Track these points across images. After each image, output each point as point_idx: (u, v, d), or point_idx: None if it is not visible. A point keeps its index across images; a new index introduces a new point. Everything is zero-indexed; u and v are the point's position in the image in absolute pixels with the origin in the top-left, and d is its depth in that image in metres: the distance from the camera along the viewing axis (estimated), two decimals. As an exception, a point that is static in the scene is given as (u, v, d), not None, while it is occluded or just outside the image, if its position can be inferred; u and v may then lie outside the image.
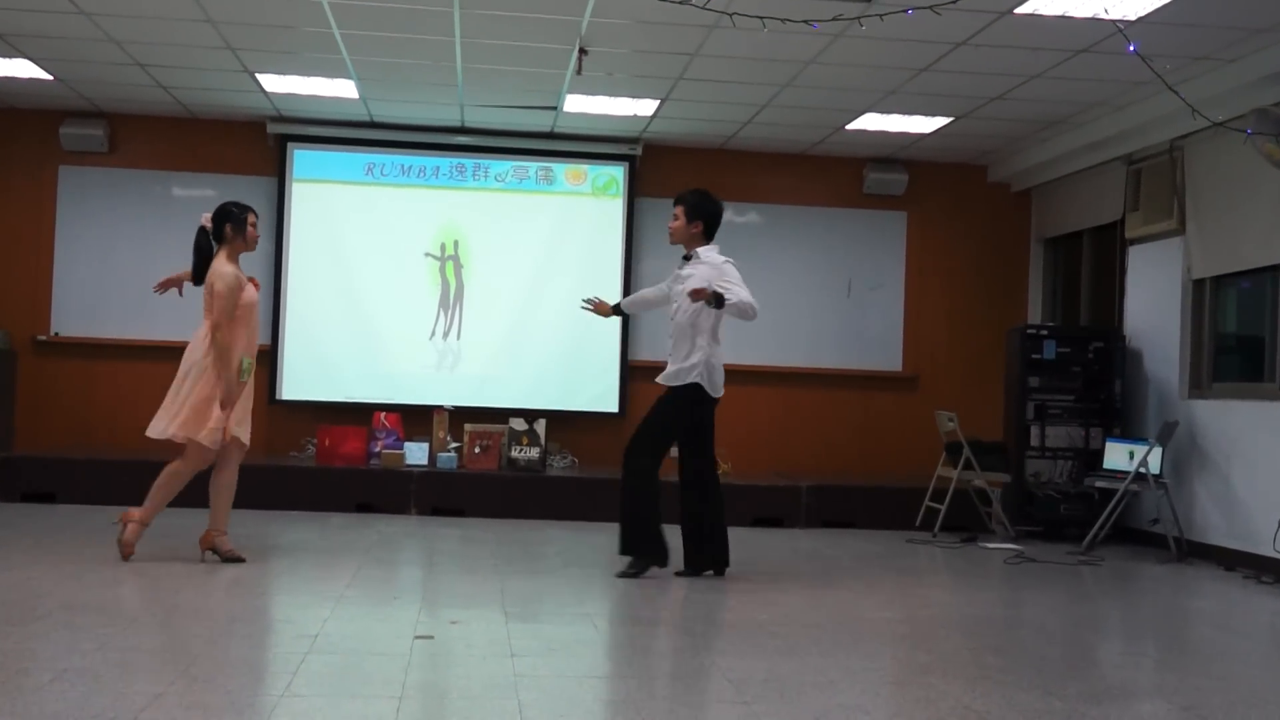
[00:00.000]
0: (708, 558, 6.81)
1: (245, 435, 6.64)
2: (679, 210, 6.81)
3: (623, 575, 6.60)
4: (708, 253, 6.77)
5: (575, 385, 10.58)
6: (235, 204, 6.72)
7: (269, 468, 9.33)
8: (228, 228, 6.65)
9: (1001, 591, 7.11)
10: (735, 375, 10.66)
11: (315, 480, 9.30)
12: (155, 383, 10.32)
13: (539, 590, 6.34)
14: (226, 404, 6.44)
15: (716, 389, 6.73)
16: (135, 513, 6.55)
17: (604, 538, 7.70)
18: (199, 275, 6.63)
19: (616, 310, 7.28)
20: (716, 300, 6.46)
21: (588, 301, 7.18)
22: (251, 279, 6.69)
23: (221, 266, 6.53)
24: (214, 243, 6.66)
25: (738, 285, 6.58)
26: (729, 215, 11.15)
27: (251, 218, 6.70)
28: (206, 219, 6.70)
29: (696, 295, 6.43)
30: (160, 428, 6.47)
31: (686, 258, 6.84)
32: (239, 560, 6.63)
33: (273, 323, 10.34)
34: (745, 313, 6.54)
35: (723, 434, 10.39)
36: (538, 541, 8.11)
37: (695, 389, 6.65)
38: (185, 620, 5.10)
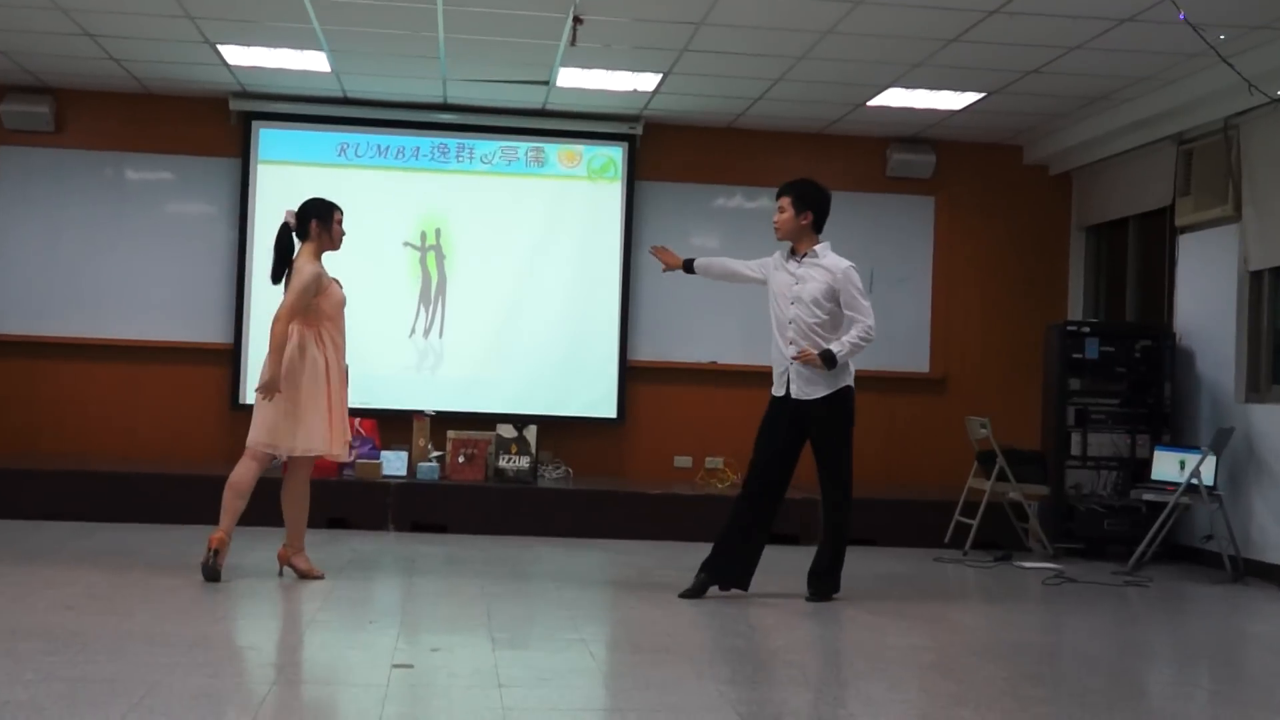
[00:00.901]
0: (734, 575, 6.86)
1: (321, 446, 6.82)
2: (785, 201, 6.86)
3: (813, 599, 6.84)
4: (825, 251, 6.82)
5: (569, 388, 10.58)
6: (322, 199, 6.97)
7: (232, 479, 9.33)
8: (313, 224, 6.90)
9: (1039, 615, 7.10)
10: (745, 377, 10.74)
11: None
12: (105, 385, 10.41)
13: (529, 614, 6.34)
14: (266, 391, 6.63)
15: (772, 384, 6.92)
16: (285, 550, 6.88)
17: (601, 555, 7.69)
18: (278, 275, 6.87)
19: (687, 267, 7.21)
20: (826, 362, 6.59)
21: (656, 249, 7.22)
22: (334, 280, 6.90)
23: (303, 264, 6.77)
24: (297, 240, 6.89)
25: (863, 299, 6.67)
26: (738, 201, 11.25)
27: (338, 214, 6.95)
28: (290, 215, 6.92)
29: (804, 358, 6.60)
30: (314, 445, 6.77)
31: (794, 254, 6.87)
32: (317, 578, 6.86)
33: (235, 319, 10.35)
34: (861, 349, 6.70)
35: (731, 442, 10.49)
36: (528, 560, 8.11)
37: (849, 391, 6.84)
38: (139, 647, 5.10)
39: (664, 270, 7.29)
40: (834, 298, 6.76)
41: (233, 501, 6.78)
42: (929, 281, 11.09)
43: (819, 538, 7.15)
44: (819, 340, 6.74)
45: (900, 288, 11.04)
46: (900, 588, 7.70)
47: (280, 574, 6.96)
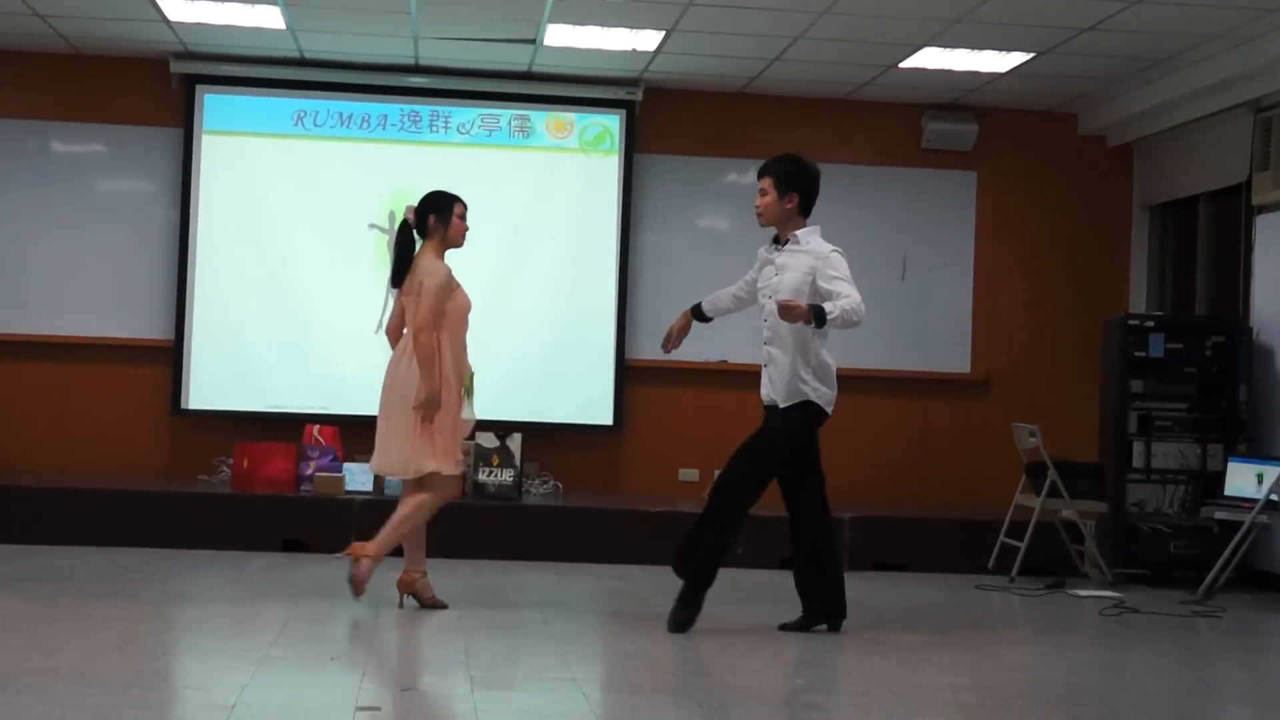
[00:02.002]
0: (835, 609, 6.96)
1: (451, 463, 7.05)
2: (766, 182, 6.93)
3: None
4: (809, 236, 6.85)
5: (559, 391, 10.57)
6: (441, 192, 7.16)
7: (172, 495, 9.33)
8: (431, 219, 7.11)
9: (1096, 650, 7.10)
10: (759, 379, 10.70)
11: (231, 511, 9.30)
12: (27, 387, 10.39)
13: (513, 649, 6.34)
14: (427, 419, 6.90)
15: (830, 403, 6.86)
16: (369, 547, 6.95)
17: (595, 582, 7.69)
18: (398, 278, 7.06)
19: (699, 316, 7.37)
20: (816, 318, 6.50)
21: (670, 338, 7.34)
22: (459, 283, 7.10)
23: (432, 263, 6.98)
24: (418, 238, 7.09)
25: (844, 282, 6.65)
26: (751, 176, 11.10)
27: (459, 207, 7.12)
28: (410, 211, 7.12)
29: (787, 313, 6.46)
30: (390, 464, 7.02)
31: (777, 241, 6.92)
32: (441, 607, 7.07)
33: (176, 313, 10.35)
34: (850, 322, 6.65)
35: (745, 452, 10.49)
36: (512, 588, 8.10)
37: (810, 411, 6.80)
38: (66, 687, 5.10)
39: (669, 347, 7.35)
40: (816, 287, 6.76)
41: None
42: (970, 269, 11.09)
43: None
44: (795, 341, 6.74)
45: (937, 276, 11.04)
46: (937, 619, 7.69)
47: (401, 604, 7.08)
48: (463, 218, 7.20)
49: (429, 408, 6.87)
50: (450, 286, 7.03)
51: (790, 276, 6.79)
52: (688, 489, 10.66)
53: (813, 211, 7.09)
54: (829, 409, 6.85)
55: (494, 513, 9.40)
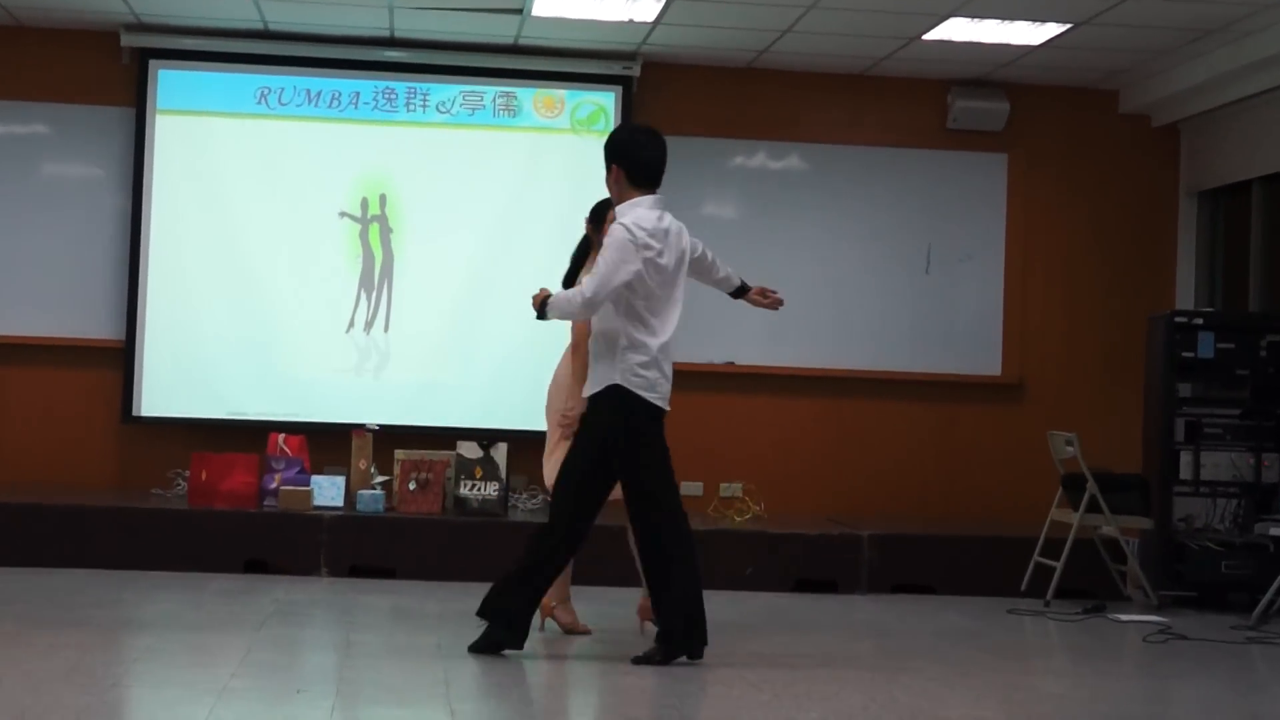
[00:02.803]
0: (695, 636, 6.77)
1: None
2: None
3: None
4: (629, 210, 6.76)
5: (540, 394, 10.53)
6: (605, 200, 7.23)
7: (122, 511, 9.32)
8: (589, 227, 7.37)
9: (1141, 680, 7.10)
10: (769, 382, 10.75)
11: (188, 529, 9.29)
12: (-35, 393, 10.39)
13: (497, 680, 6.33)
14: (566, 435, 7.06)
15: (650, 390, 6.67)
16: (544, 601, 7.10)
17: (587, 606, 7.67)
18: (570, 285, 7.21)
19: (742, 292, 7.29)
20: (539, 311, 6.77)
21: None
22: None
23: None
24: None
25: (601, 261, 6.63)
26: (759, 159, 11.21)
27: (612, 213, 7.06)
28: (587, 223, 7.41)
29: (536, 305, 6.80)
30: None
31: None
32: (584, 633, 7.29)
33: (127, 311, 10.35)
34: (564, 314, 6.83)
35: (752, 463, 10.49)
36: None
37: (618, 395, 6.67)
38: (7, 723, 5.10)
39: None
40: None
41: None
42: (1000, 261, 11.08)
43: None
44: (598, 320, 6.78)
45: (964, 269, 11.04)
46: (965, 646, 7.69)
47: (541, 628, 7.17)
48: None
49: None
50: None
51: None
52: (689, 504, 10.58)
53: (656, 183, 6.83)
54: (652, 397, 6.64)
55: (477, 530, 9.39)
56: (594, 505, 6.80)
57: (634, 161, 6.78)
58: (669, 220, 6.78)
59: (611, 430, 6.66)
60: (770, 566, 9.24)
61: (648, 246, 6.61)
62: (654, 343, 6.66)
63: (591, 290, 6.58)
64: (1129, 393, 10.42)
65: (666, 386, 6.70)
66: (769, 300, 7.19)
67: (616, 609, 7.94)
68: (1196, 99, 10.53)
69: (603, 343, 6.73)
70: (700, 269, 7.05)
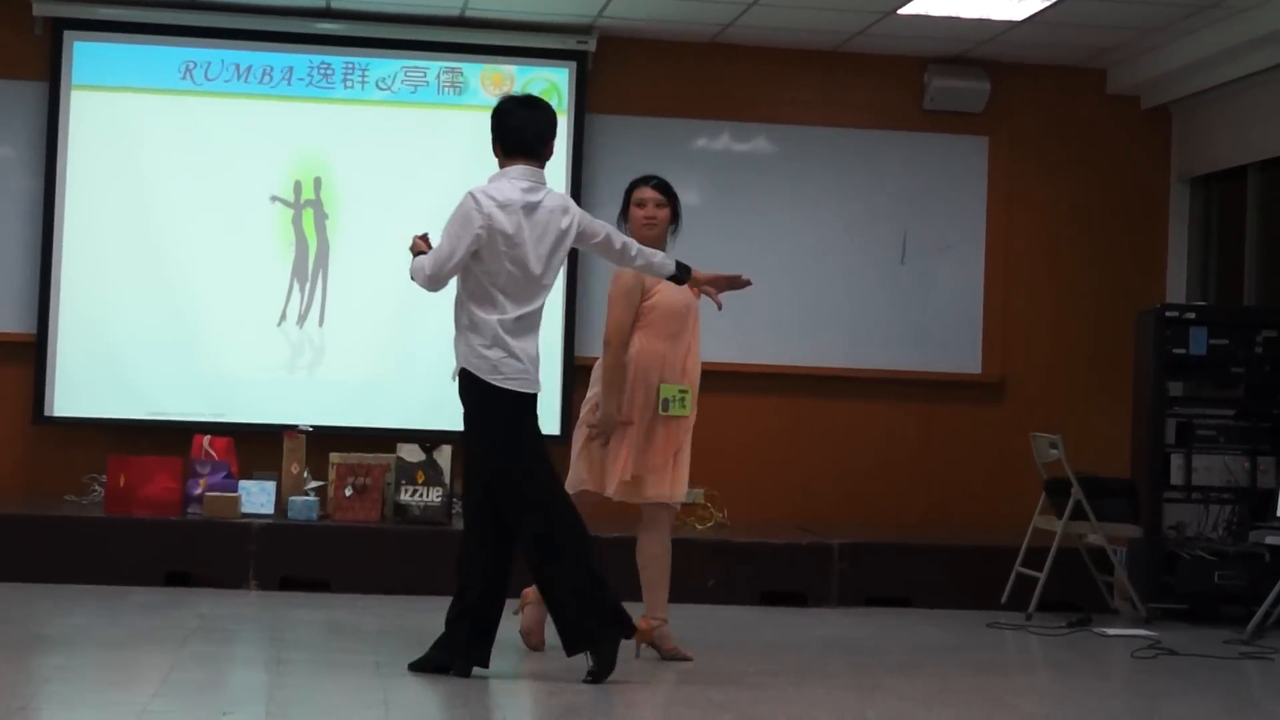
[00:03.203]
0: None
1: (666, 490, 7.20)
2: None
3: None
4: (491, 180, 6.91)
5: (496, 395, 10.53)
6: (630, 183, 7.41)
7: (34, 519, 9.25)
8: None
9: (1129, 698, 7.12)
10: (732, 380, 10.71)
11: (104, 537, 9.22)
12: None
13: (442, 702, 6.32)
14: (598, 438, 7.14)
15: (491, 374, 6.71)
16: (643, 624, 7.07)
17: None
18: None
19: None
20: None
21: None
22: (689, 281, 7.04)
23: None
24: None
25: (443, 237, 6.83)
26: (724, 141, 11.19)
27: (640, 193, 7.32)
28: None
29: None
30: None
31: None
32: (685, 659, 7.17)
33: (39, 302, 10.28)
34: (416, 280, 6.99)
35: (715, 466, 10.42)
36: (440, 629, 8.04)
37: (464, 376, 6.81)
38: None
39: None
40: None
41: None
42: (981, 251, 11.11)
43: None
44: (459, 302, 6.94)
45: (942, 259, 11.06)
46: (943, 662, 7.70)
47: (637, 654, 7.09)
48: (643, 205, 7.29)
49: (605, 428, 7.06)
50: (634, 294, 7.15)
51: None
52: (648, 511, 10.62)
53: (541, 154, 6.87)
54: (496, 380, 6.68)
55: (419, 540, 9.34)
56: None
57: (503, 129, 6.88)
58: (543, 194, 6.78)
59: (467, 420, 6.83)
60: (734, 578, 9.22)
61: (491, 217, 6.65)
62: (493, 319, 6.66)
63: (432, 267, 6.72)
64: (1117, 392, 10.46)
65: (519, 365, 6.66)
66: (719, 287, 7.09)
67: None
68: (1189, 79, 10.57)
69: (455, 322, 6.91)
70: (605, 253, 7.03)
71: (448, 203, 10.45)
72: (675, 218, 7.32)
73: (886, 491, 10.94)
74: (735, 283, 7.10)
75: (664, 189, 7.27)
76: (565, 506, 6.73)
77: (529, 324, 6.71)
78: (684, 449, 7.24)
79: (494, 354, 6.64)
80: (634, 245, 6.93)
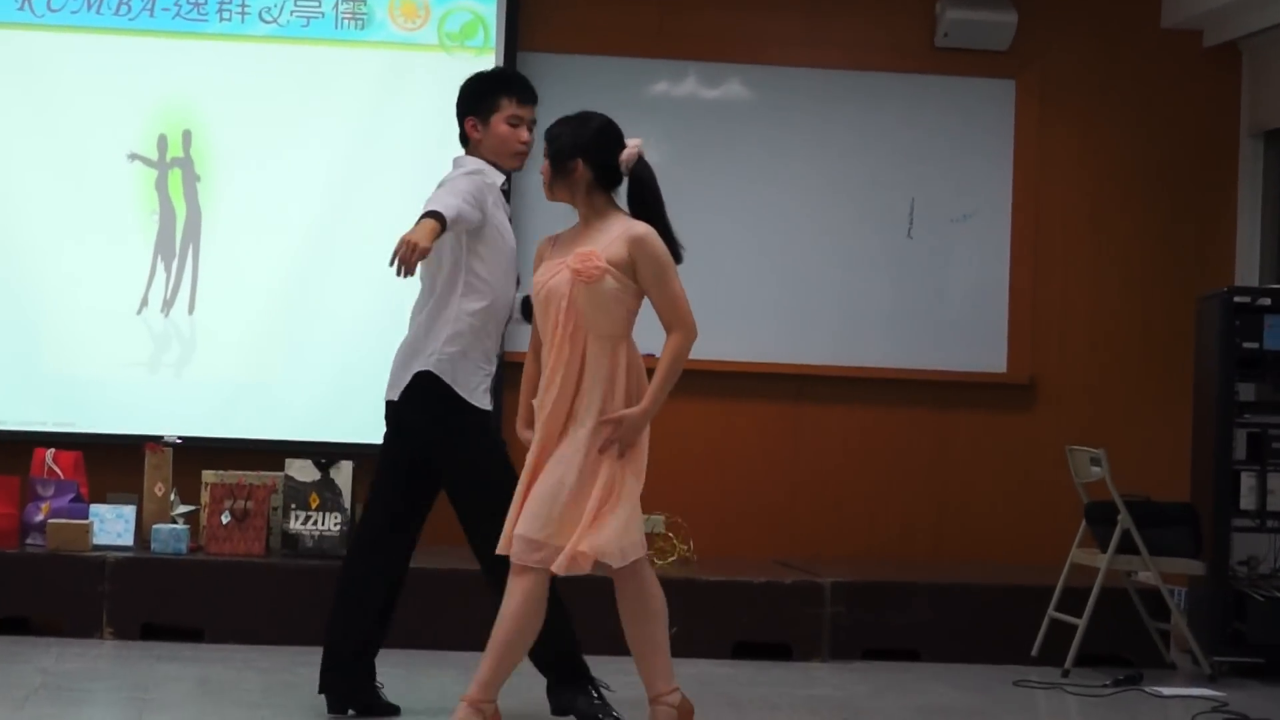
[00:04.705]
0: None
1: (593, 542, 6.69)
2: None
3: None
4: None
5: (408, 399, 10.55)
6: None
7: None
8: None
9: (1187, 773, 7.18)
10: (703, 380, 10.69)
11: (-77, 576, 9.22)
12: None
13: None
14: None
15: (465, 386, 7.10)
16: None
17: (463, 676, 7.67)
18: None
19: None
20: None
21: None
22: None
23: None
24: None
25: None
26: (688, 86, 11.17)
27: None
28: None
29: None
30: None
31: None
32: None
33: None
34: None
35: (680, 487, 10.46)
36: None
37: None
38: None
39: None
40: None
41: None
42: (1006, 222, 11.16)
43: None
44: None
45: (958, 231, 11.12)
46: (959, 729, 7.74)
47: None
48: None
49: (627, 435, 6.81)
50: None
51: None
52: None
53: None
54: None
55: (312, 576, 9.31)
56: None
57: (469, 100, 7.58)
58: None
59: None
60: (703, 625, 9.23)
61: None
62: None
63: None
64: (1173, 396, 10.52)
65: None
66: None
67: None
68: (1264, 8, 10.62)
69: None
70: None
71: (349, 161, 10.62)
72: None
73: (890, 518, 10.98)
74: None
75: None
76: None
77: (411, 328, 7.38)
78: None
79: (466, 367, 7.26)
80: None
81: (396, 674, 7.47)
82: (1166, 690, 8.80)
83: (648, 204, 6.85)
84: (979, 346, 11.11)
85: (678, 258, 6.79)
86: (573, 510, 6.45)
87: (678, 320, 6.67)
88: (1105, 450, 9.37)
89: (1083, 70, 11.24)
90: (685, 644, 9.11)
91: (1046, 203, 11.20)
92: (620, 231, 6.70)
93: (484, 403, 7.16)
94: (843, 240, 11.01)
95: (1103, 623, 9.28)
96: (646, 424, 6.64)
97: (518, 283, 7.34)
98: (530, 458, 6.63)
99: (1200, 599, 9.57)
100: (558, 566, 6.41)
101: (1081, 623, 9.18)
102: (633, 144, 6.91)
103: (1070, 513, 9.78)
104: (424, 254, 6.62)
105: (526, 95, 7.43)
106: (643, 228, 6.72)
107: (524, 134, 7.36)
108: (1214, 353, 9.60)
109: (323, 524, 9.59)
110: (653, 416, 6.64)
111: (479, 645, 6.55)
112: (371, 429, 10.14)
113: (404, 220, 10.42)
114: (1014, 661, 9.37)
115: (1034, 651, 9.43)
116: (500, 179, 7.34)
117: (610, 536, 6.43)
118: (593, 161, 6.77)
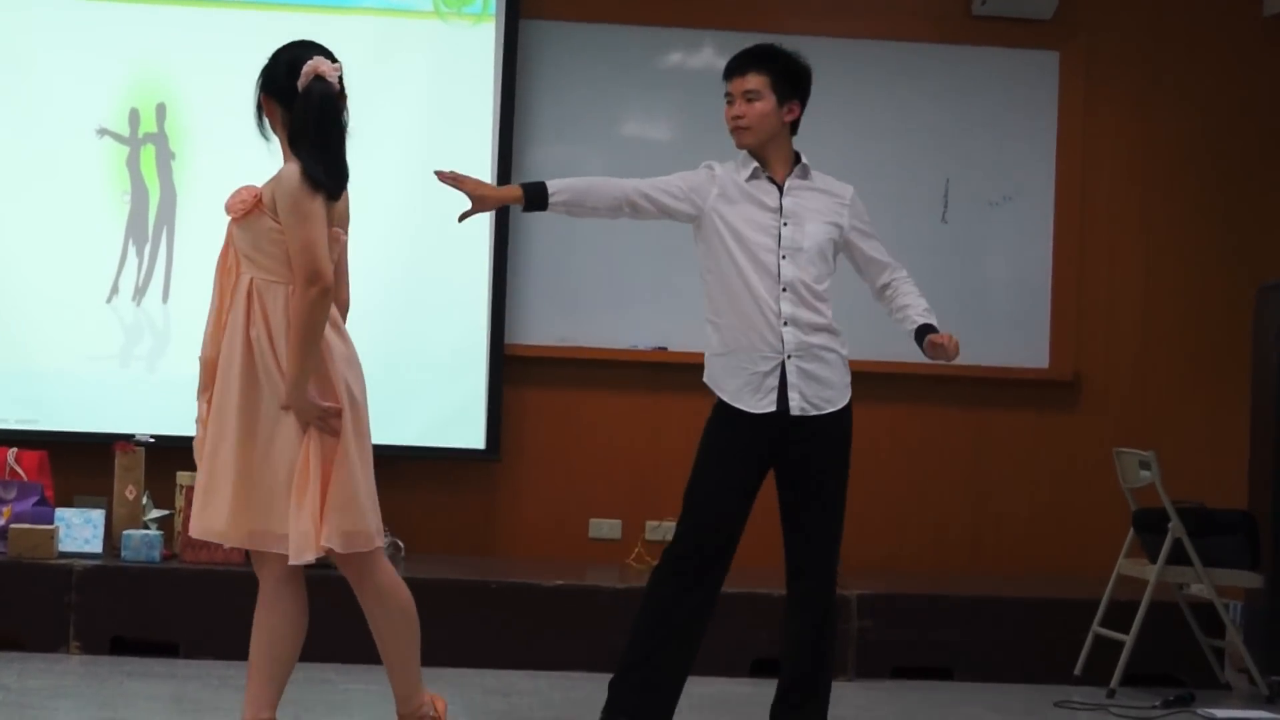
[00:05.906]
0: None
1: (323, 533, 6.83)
2: (759, 81, 7.32)
3: None
4: (818, 172, 7.44)
5: (397, 395, 10.51)
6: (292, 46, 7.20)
7: None
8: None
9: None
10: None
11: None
12: None
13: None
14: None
15: (730, 393, 7.37)
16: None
17: (450, 695, 7.70)
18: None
19: (534, 198, 7.24)
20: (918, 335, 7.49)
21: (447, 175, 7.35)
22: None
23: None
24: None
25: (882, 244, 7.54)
26: (704, 57, 11.10)
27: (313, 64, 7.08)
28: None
29: (947, 346, 7.40)
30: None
31: (763, 170, 7.26)
32: None
33: None
34: None
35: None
36: (323, 705, 8.11)
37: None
38: None
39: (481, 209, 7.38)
40: (838, 244, 7.31)
41: None
42: (1050, 205, 11.18)
43: (790, 638, 7.37)
44: (818, 315, 7.33)
45: (997, 215, 11.14)
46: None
47: None
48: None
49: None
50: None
51: (814, 229, 7.19)
52: (604, 550, 10.67)
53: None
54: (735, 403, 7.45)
55: (296, 588, 9.39)
56: None
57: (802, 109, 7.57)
58: None
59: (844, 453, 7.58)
60: (718, 640, 9.24)
61: None
62: None
63: None
64: (1230, 395, 10.55)
65: None
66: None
67: (499, 700, 7.97)
68: (1329, -26, 10.68)
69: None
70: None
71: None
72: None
73: (921, 525, 11.02)
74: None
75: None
76: None
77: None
78: None
79: (722, 369, 7.66)
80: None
81: (375, 691, 7.51)
82: (1220, 712, 8.82)
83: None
84: (1019, 340, 11.13)
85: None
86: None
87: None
88: (1155, 453, 9.39)
89: (1132, 40, 11.26)
90: (701, 661, 9.19)
91: (1092, 185, 11.22)
92: None
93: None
94: (875, 225, 11.02)
95: (1152, 639, 9.31)
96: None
97: None
98: None
99: (1257, 614, 9.59)
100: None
101: (1129, 639, 9.21)
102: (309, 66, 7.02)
103: (1117, 520, 9.82)
104: None
105: (726, 70, 7.37)
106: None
107: (730, 109, 7.25)
108: (1275, 347, 9.64)
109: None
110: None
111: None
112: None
113: (396, 196, 10.52)
114: (1055, 681, 9.41)
115: (1077, 670, 9.47)
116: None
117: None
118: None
